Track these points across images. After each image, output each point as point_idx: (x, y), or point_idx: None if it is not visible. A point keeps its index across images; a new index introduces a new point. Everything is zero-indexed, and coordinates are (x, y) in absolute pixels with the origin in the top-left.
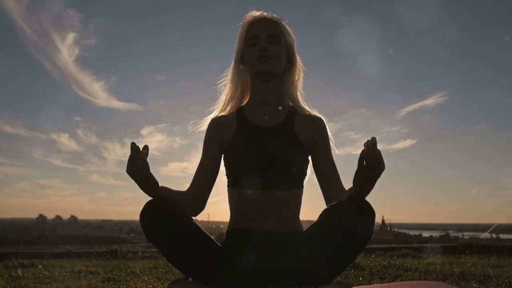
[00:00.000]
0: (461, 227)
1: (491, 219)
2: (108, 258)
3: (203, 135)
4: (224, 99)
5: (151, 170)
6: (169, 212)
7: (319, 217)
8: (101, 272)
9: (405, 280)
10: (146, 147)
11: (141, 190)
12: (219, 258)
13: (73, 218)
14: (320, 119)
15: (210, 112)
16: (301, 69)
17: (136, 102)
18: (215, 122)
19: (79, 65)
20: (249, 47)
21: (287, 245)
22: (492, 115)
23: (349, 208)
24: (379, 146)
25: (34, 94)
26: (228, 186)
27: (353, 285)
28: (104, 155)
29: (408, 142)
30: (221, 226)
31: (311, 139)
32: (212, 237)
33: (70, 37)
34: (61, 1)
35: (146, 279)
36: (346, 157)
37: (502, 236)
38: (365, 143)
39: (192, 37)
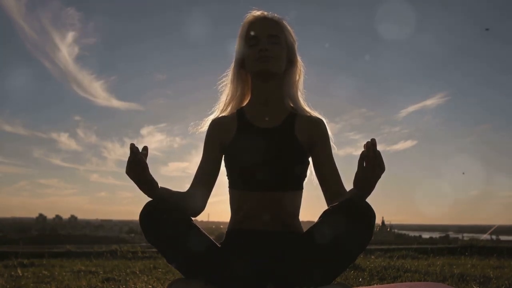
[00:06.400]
0: (461, 228)
1: (491, 220)
2: (108, 258)
3: (203, 135)
4: (224, 99)
5: (151, 170)
6: (169, 213)
7: (319, 218)
8: (101, 272)
9: (405, 281)
10: (145, 148)
11: (141, 191)
12: (219, 258)
13: (73, 217)
14: (321, 120)
15: (210, 112)
16: (302, 69)
17: (136, 101)
18: (215, 123)
19: (78, 64)
20: (249, 47)
21: (287, 245)
22: (493, 116)
23: (350, 209)
24: (379, 147)
25: (34, 93)
26: (228, 186)
27: (353, 286)
28: (104, 154)
29: (408, 143)
30: (221, 226)
31: (311, 141)
32: (211, 237)
33: (70, 36)
34: None
35: (145, 279)
36: (346, 158)
37: (502, 237)
38: (365, 144)
39: (193, 37)
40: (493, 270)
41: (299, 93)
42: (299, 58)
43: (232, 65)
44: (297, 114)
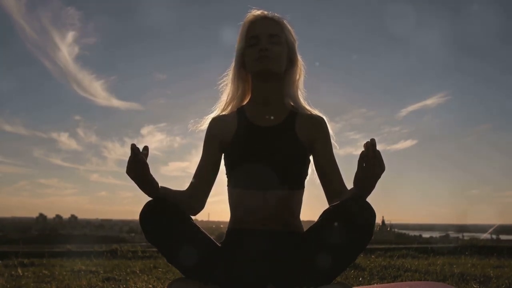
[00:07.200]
0: (461, 228)
1: (492, 219)
2: (108, 258)
3: (204, 134)
4: (225, 99)
5: (151, 170)
6: (169, 212)
7: (319, 218)
8: (101, 272)
9: (405, 281)
10: (146, 148)
11: (141, 190)
12: (219, 258)
13: (73, 217)
14: (322, 118)
15: (211, 112)
16: (302, 69)
17: (136, 101)
18: (215, 121)
19: (79, 63)
20: (250, 47)
21: (287, 245)
22: (493, 115)
23: (350, 208)
24: (379, 146)
25: (34, 93)
26: (228, 185)
27: (353, 285)
28: (104, 154)
29: (408, 143)
30: (221, 226)
31: (312, 139)
32: (212, 237)
33: (70, 35)
34: None
35: (146, 278)
36: (346, 157)
37: (502, 237)
38: (364, 144)
39: (193, 36)
40: (493, 270)
41: (299, 92)
42: (299, 58)
43: (233, 64)
44: (297, 113)
